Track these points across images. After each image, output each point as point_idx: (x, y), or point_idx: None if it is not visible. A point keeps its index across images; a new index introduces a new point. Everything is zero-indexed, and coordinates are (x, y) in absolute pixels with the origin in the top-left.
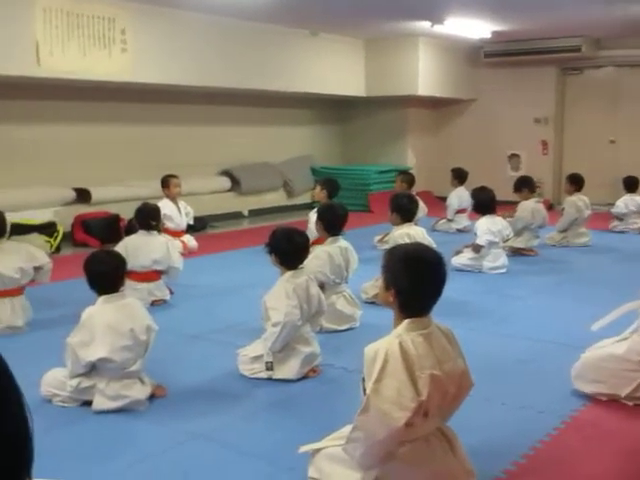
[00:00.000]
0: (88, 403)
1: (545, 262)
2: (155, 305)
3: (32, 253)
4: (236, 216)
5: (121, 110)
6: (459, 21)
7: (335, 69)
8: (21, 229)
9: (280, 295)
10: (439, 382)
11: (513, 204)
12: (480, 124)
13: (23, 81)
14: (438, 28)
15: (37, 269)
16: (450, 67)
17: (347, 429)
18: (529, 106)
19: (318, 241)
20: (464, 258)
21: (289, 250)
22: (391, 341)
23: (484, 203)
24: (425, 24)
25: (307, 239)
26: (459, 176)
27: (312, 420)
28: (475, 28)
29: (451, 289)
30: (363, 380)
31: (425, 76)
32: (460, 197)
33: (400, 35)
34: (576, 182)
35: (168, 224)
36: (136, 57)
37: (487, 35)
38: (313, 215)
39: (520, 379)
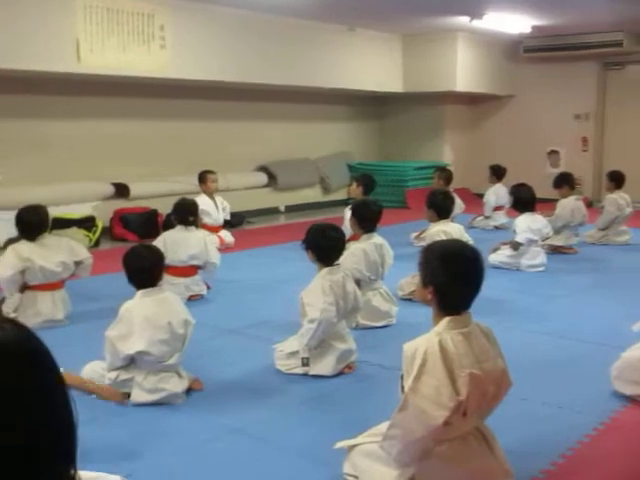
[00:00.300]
0: (126, 396)
1: (584, 261)
2: (192, 300)
3: (74, 248)
4: (272, 212)
5: (160, 106)
6: (498, 16)
7: (373, 65)
8: (61, 223)
9: (317, 291)
10: (478, 381)
11: (552, 201)
12: (518, 120)
13: (64, 77)
14: (477, 23)
15: (78, 263)
16: (488, 63)
17: (383, 426)
18: (569, 102)
19: (353, 238)
20: (502, 255)
21: (325, 246)
22: (431, 339)
23: (524, 200)
24: (464, 19)
25: (343, 235)
26: (497, 173)
27: (348, 416)
28: (515, 23)
29: (488, 287)
30: (401, 378)
31: (463, 72)
32: (498, 194)
33: (438, 30)
34: (617, 179)
35: (205, 219)
36: (174, 53)
37: (527, 30)
38: (348, 212)
39: (558, 379)
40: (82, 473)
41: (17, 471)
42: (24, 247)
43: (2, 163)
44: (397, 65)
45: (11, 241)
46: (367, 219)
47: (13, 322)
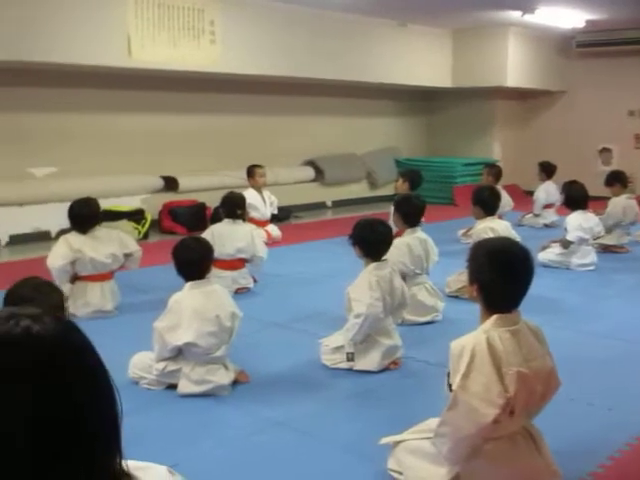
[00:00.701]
0: (173, 386)
1: (636, 260)
2: (239, 293)
3: (124, 240)
4: (319, 206)
5: (209, 100)
6: (551, 10)
7: (422, 60)
8: (111, 216)
9: (363, 287)
10: (526, 380)
11: (603, 199)
12: (570, 116)
13: (115, 72)
14: (529, 17)
15: (127, 255)
16: (540, 58)
17: (429, 422)
18: (622, 98)
19: (397, 234)
20: (552, 254)
21: (372, 241)
22: (478, 337)
23: (576, 198)
24: (515, 13)
25: (390, 230)
26: (547, 170)
27: (393, 412)
28: (567, 17)
29: (537, 285)
30: (447, 375)
31: (514, 67)
32: (548, 191)
33: (489, 25)
34: None
35: (253, 213)
36: (224, 48)
37: (580, 24)
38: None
39: (607, 380)
40: (129, 462)
41: (62, 462)
42: (75, 238)
43: (57, 156)
44: (447, 60)
45: (63, 233)
46: (410, 214)
47: (53, 315)
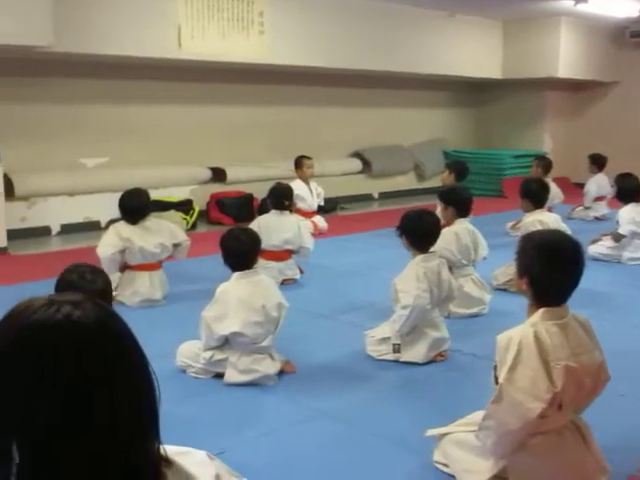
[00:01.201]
0: (220, 375)
1: None
2: (285, 284)
3: (173, 230)
4: (366, 198)
5: (257, 91)
6: None
7: (471, 51)
8: (160, 206)
9: (410, 278)
10: (574, 374)
11: None
12: (623, 108)
13: (165, 63)
14: (582, 7)
15: (176, 246)
16: (592, 48)
17: (475, 415)
18: None
19: (444, 226)
20: (603, 247)
21: (420, 232)
22: (525, 330)
23: (629, 191)
24: (568, 3)
25: (438, 221)
26: (598, 162)
27: (439, 404)
28: (621, 6)
29: (587, 279)
30: (494, 368)
31: (566, 57)
32: (599, 184)
33: (541, 15)
34: None
35: (300, 204)
36: (273, 39)
37: (634, 14)
38: None
39: None
40: (168, 447)
41: (102, 446)
42: (125, 227)
43: (108, 147)
44: (497, 51)
45: (113, 222)
46: (458, 205)
47: (94, 301)
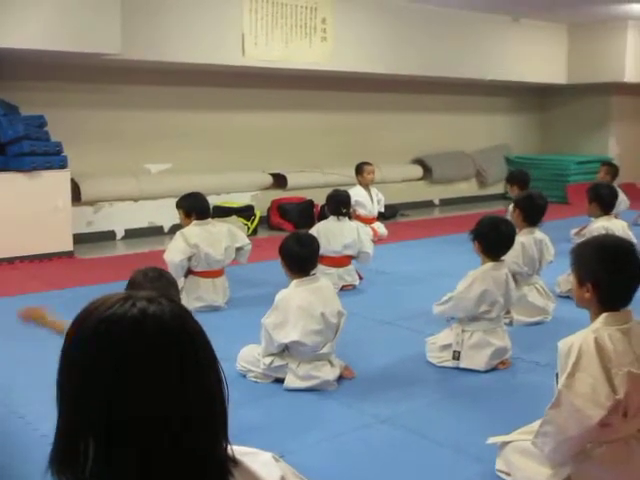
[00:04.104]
0: (280, 380)
1: None
2: (345, 290)
3: (235, 234)
4: (427, 205)
5: (318, 98)
6: None
7: (536, 56)
8: (222, 211)
9: (467, 280)
10: (638, 380)
11: None
12: None
13: (228, 70)
14: None
15: (238, 249)
16: None
17: (538, 423)
18: None
19: None
20: None
21: (494, 240)
22: (586, 335)
23: None
24: (636, 7)
25: (514, 232)
26: None
27: (500, 412)
28: None
29: None
30: (557, 376)
31: (633, 62)
32: None
33: (607, 19)
34: None
35: (360, 210)
36: (335, 46)
37: None
38: (511, 207)
39: None
40: (235, 447)
41: (172, 441)
42: (192, 233)
43: (172, 153)
44: (562, 56)
45: (177, 228)
46: (532, 213)
47: (169, 298)
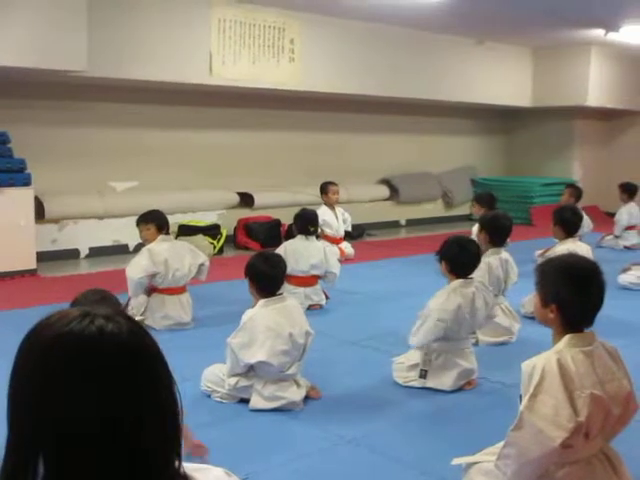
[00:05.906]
0: (245, 400)
1: None
2: (311, 309)
3: (194, 250)
4: (393, 225)
5: (285, 117)
6: (637, 28)
7: (500, 79)
8: (188, 230)
9: (441, 296)
10: (600, 402)
11: None
12: None
13: (195, 88)
14: (612, 36)
15: (200, 267)
16: (623, 77)
17: (502, 444)
18: None
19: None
20: (633, 276)
21: (461, 259)
22: (549, 357)
23: None
24: (598, 32)
25: (479, 250)
26: (628, 191)
27: (465, 432)
28: None
29: (617, 307)
30: (520, 397)
31: (596, 86)
32: (630, 213)
33: (571, 43)
34: None
35: (326, 230)
36: (303, 66)
37: None
38: (477, 226)
39: None
40: (187, 465)
41: (123, 455)
42: (158, 248)
43: (137, 171)
44: (526, 79)
45: (141, 246)
46: (497, 234)
47: (126, 316)
